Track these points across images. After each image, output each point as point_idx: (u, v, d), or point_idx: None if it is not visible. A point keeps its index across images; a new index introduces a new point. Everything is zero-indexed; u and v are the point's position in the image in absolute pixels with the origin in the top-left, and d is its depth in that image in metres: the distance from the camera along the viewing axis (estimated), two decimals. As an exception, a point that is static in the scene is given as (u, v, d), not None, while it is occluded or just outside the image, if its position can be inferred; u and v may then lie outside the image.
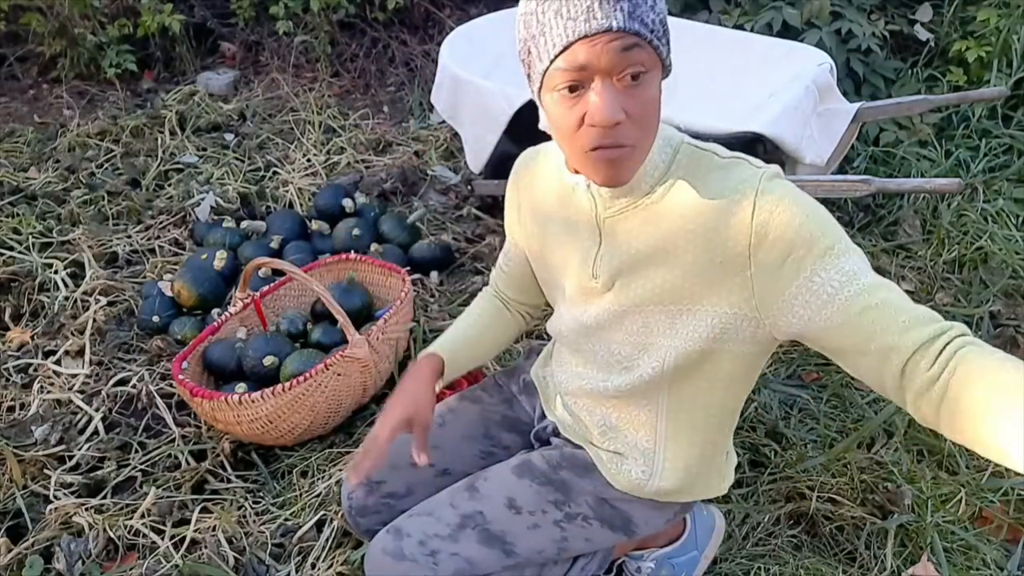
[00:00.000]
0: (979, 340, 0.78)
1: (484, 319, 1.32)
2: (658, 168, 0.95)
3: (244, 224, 2.37)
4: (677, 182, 0.94)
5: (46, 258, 2.27)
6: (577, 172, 0.98)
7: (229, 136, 3.13)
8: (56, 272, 2.19)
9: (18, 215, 2.46)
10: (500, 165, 2.35)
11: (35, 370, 1.90)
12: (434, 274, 2.27)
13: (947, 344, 0.77)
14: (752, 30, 2.83)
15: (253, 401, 1.52)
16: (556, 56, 0.84)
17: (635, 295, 1.00)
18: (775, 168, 0.93)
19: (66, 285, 2.16)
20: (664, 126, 0.97)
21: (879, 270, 2.34)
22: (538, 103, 0.92)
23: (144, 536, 1.48)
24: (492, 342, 1.31)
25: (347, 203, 2.40)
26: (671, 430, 1.09)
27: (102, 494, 1.58)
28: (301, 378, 1.55)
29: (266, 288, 1.95)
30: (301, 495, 1.57)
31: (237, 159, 2.91)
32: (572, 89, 0.85)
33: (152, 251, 2.37)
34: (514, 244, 1.24)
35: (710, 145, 0.98)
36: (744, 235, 0.89)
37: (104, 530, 1.47)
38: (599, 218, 1.00)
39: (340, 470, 1.60)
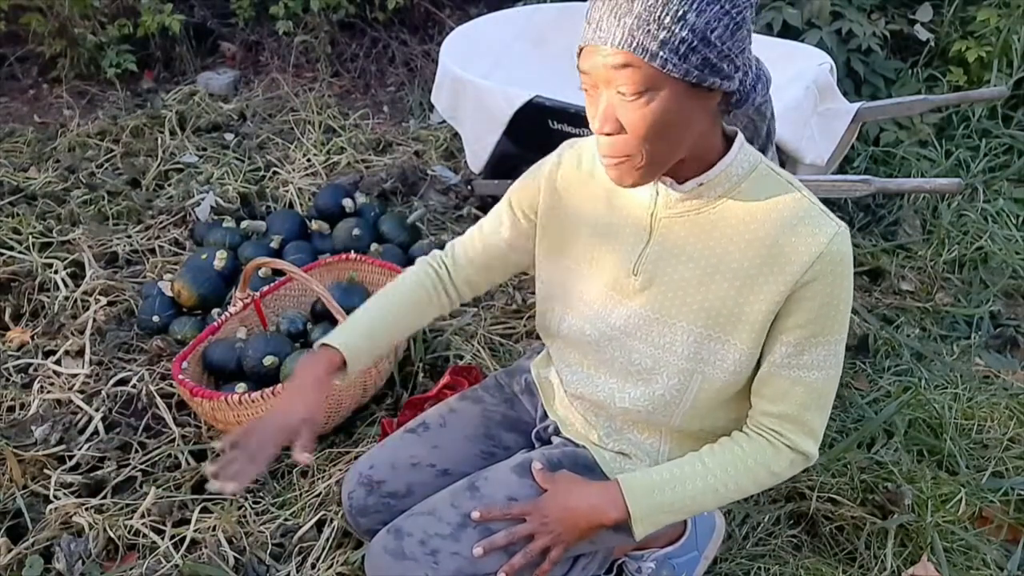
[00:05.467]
0: (784, 446, 1.01)
1: (404, 304, 1.20)
2: (731, 180, 0.96)
3: (244, 224, 2.37)
4: (744, 199, 0.96)
5: (46, 258, 2.26)
6: None
7: (229, 136, 3.13)
8: (56, 272, 2.19)
9: (18, 215, 2.46)
10: (500, 165, 2.35)
11: (35, 370, 1.90)
12: (434, 274, 2.26)
13: (763, 426, 1.02)
14: (753, 30, 2.83)
15: (253, 401, 1.52)
16: (578, 56, 0.88)
17: (670, 304, 1.00)
18: (846, 230, 0.94)
19: (66, 285, 2.16)
20: (749, 146, 0.98)
21: (879, 270, 2.35)
22: None
23: (144, 536, 1.48)
24: (404, 330, 1.22)
25: (347, 203, 2.40)
26: (681, 431, 1.10)
27: (102, 494, 1.58)
28: (301, 378, 1.55)
29: (266, 288, 1.95)
30: (301, 495, 1.57)
31: (237, 159, 2.91)
32: (589, 89, 0.89)
33: (152, 251, 2.37)
34: (517, 217, 1.16)
35: (785, 173, 0.99)
36: (788, 283, 0.93)
37: (104, 530, 1.47)
38: (654, 216, 1.00)
39: (340, 470, 1.60)
